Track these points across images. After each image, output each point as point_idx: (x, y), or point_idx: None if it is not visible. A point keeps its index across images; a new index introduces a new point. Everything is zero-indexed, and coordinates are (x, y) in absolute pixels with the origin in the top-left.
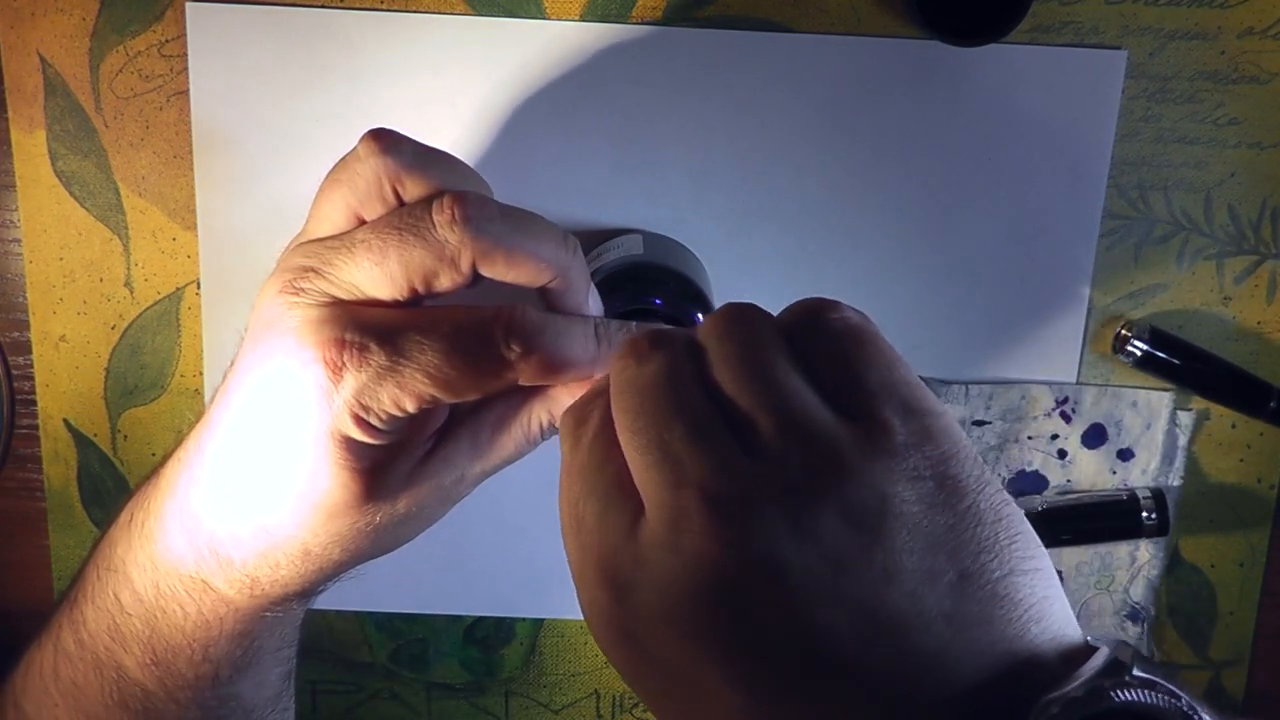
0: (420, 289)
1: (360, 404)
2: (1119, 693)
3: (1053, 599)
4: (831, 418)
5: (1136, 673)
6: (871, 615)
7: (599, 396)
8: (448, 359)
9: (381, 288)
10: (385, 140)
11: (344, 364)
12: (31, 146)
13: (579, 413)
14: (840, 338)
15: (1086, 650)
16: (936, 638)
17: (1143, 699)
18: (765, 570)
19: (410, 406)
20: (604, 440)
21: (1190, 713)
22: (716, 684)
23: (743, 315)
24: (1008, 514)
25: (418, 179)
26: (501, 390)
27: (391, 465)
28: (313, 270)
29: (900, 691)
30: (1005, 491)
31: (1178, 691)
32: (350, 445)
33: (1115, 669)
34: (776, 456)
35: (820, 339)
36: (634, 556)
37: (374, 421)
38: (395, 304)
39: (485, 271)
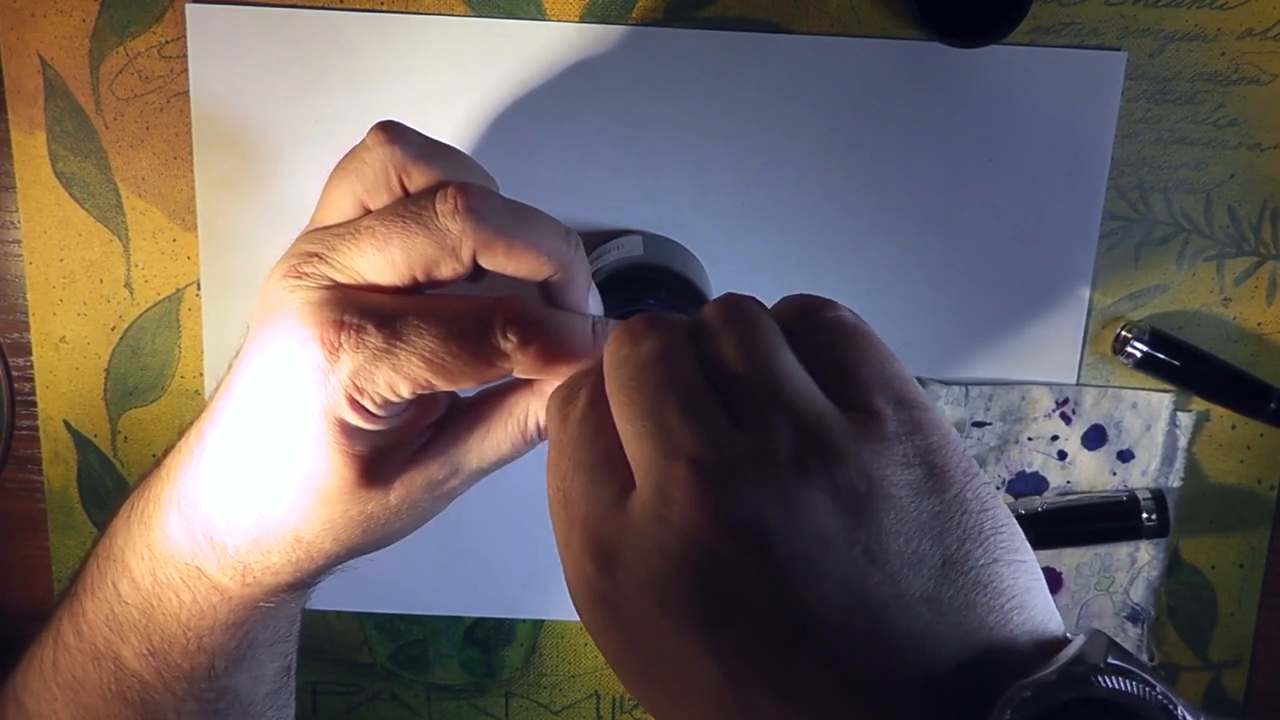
0: (421, 277)
1: (355, 385)
2: (1094, 679)
3: (1035, 592)
4: (826, 401)
5: (1111, 661)
6: (852, 594)
7: (586, 375)
8: (444, 344)
9: (383, 274)
10: (393, 131)
11: (341, 344)
12: (32, 148)
13: (566, 391)
14: (835, 334)
15: (1065, 642)
16: (916, 620)
17: (1116, 685)
18: (750, 541)
19: (405, 390)
20: (592, 416)
21: (1165, 701)
22: (695, 657)
23: (747, 303)
24: (993, 506)
25: (423, 170)
26: (496, 380)
27: (386, 454)
28: (317, 255)
29: (874, 672)
30: (991, 486)
31: (1152, 680)
32: (345, 429)
33: (1089, 657)
34: (770, 432)
35: (815, 335)
36: (621, 526)
37: (368, 405)
38: (397, 291)
39: (485, 263)
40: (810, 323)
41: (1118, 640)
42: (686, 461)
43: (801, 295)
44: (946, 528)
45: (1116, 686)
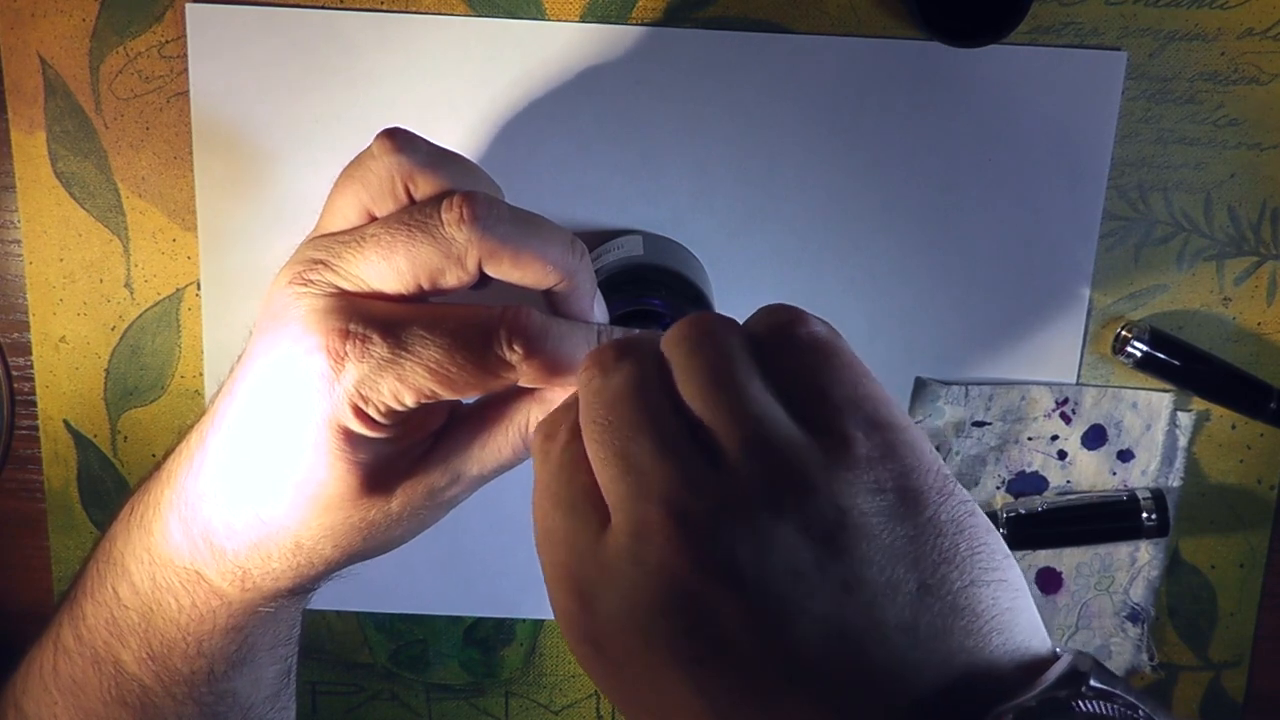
0: (426, 286)
1: (360, 394)
2: (1074, 704)
3: (1018, 610)
4: (795, 431)
5: (1094, 683)
6: (828, 626)
7: (569, 410)
8: (449, 355)
9: (388, 282)
10: (399, 139)
11: (346, 353)
12: (31, 148)
13: (549, 427)
14: (807, 352)
15: (1049, 661)
16: (893, 649)
17: (1097, 710)
18: (724, 581)
19: (409, 400)
20: (572, 453)
21: None
22: (679, 691)
23: (710, 328)
24: (971, 525)
25: (429, 178)
26: (501, 390)
27: (389, 461)
28: (322, 263)
29: (855, 702)
30: (972, 503)
31: (1135, 702)
32: (349, 436)
33: (1072, 680)
34: (739, 470)
35: (787, 354)
36: (599, 566)
37: (372, 413)
38: (402, 299)
39: (491, 271)
40: (781, 340)
41: (1118, 640)
42: (660, 504)
43: (776, 308)
44: (921, 552)
45: (1097, 711)
